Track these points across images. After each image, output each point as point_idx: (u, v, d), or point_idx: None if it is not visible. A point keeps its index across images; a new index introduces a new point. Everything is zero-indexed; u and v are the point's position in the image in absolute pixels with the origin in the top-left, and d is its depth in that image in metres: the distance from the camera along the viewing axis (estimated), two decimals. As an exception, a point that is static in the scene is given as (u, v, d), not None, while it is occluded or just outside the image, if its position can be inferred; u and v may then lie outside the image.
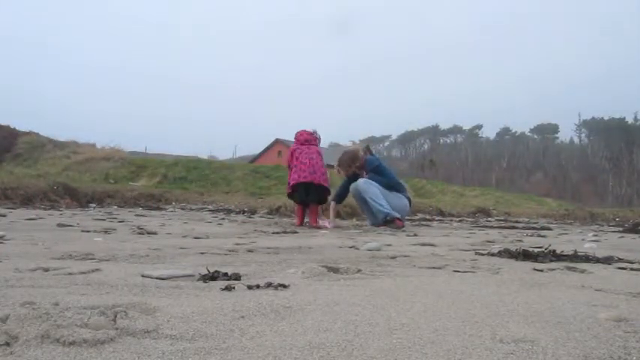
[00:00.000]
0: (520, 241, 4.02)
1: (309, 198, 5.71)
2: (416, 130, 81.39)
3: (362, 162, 5.87)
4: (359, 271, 1.90)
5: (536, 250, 2.67)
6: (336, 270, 1.88)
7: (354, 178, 5.87)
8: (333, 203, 6.00)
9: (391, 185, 5.75)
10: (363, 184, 5.63)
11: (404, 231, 5.13)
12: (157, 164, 21.81)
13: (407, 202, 5.87)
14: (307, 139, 5.99)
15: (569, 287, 1.67)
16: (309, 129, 6.18)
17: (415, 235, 4.58)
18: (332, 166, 6.31)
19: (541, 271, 2.07)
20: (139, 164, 21.67)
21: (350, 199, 6.39)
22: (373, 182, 5.63)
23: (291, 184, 5.81)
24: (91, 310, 1.07)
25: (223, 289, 1.42)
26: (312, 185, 5.66)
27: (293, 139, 6.16)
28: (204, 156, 30.87)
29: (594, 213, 14.17)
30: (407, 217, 7.56)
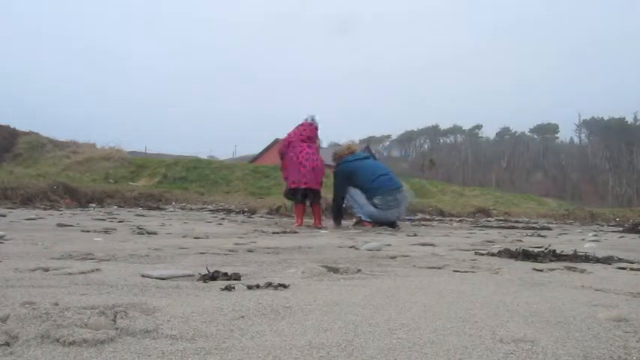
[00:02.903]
0: (520, 241, 4.02)
1: (310, 201, 5.76)
2: (416, 130, 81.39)
3: (338, 159, 5.91)
4: (359, 271, 1.90)
5: (536, 250, 2.67)
6: (336, 270, 1.89)
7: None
8: (332, 223, 5.85)
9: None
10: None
11: (404, 231, 5.13)
12: (157, 164, 21.79)
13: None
14: (310, 137, 5.76)
15: (569, 287, 1.67)
16: (310, 119, 5.92)
17: (415, 235, 4.58)
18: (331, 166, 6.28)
19: (541, 271, 2.07)
20: (139, 164, 21.65)
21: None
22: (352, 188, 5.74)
23: (290, 186, 5.74)
24: (91, 310, 1.07)
25: (223, 289, 1.42)
26: (311, 190, 5.68)
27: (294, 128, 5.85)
28: (204, 156, 30.88)
29: (594, 213, 14.18)
30: (407, 217, 7.52)
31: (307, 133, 5.80)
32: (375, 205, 5.62)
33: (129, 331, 0.96)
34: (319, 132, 5.97)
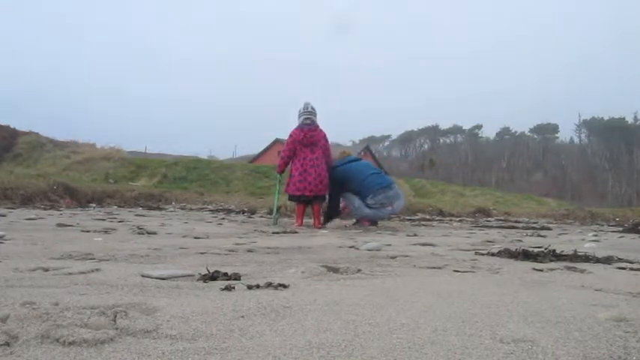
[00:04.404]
0: (520, 241, 4.03)
1: (312, 202, 5.78)
2: (416, 130, 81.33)
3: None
4: (359, 271, 1.90)
5: (536, 250, 2.67)
6: (335, 270, 1.89)
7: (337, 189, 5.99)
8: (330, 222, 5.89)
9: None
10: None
11: (404, 231, 5.13)
12: (157, 164, 21.79)
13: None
14: (312, 142, 5.65)
15: (569, 287, 1.67)
16: (309, 107, 5.77)
17: (415, 235, 4.58)
18: None
19: (541, 270, 2.07)
20: (139, 164, 21.65)
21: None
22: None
23: (295, 193, 5.67)
24: (91, 310, 1.07)
25: (223, 289, 1.42)
26: (317, 196, 5.70)
27: (296, 125, 5.75)
28: (204, 156, 30.81)
29: (594, 213, 14.17)
30: (407, 217, 7.55)
31: (308, 139, 5.66)
32: (368, 206, 5.70)
33: (129, 331, 0.96)
34: (315, 116, 5.82)
